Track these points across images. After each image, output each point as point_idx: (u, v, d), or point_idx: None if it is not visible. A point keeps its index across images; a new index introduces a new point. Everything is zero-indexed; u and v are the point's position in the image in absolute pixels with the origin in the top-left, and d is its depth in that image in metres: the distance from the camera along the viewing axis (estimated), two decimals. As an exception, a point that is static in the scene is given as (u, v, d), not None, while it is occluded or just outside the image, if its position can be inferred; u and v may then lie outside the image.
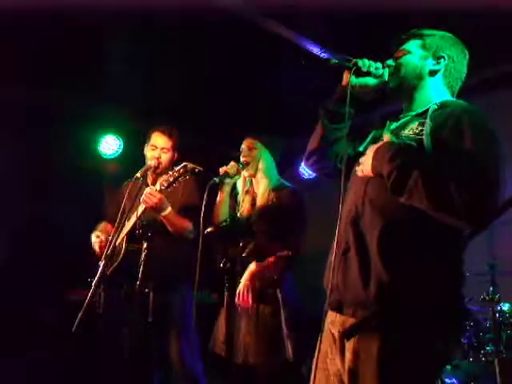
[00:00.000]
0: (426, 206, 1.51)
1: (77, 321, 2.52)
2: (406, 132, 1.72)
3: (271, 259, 2.77)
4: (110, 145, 4.92)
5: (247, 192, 3.07)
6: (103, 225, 3.22)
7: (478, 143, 1.56)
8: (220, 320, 2.88)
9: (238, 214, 3.01)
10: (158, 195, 2.87)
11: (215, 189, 2.89)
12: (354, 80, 1.85)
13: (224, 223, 2.94)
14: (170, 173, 2.84)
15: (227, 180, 2.91)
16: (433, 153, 1.60)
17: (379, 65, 1.87)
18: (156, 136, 3.25)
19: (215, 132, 5.17)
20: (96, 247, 3.16)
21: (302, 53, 4.01)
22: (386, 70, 1.86)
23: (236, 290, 2.79)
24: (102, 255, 3.05)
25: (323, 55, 1.86)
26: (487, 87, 4.10)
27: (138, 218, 2.97)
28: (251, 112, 4.88)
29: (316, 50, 4.10)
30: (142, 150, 3.37)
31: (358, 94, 1.87)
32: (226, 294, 2.89)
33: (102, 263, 2.79)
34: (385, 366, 1.53)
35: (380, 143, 1.70)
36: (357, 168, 1.76)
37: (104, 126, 4.92)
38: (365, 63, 1.84)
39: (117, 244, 3.13)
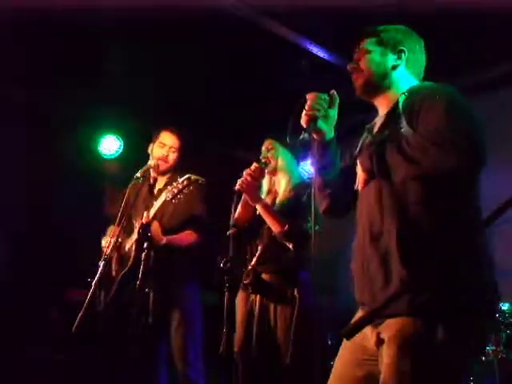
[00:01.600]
0: (414, 171, 1.53)
1: (77, 321, 2.52)
2: (387, 131, 1.72)
3: None
4: (110, 145, 4.92)
5: (269, 192, 3.07)
6: (112, 228, 3.18)
7: (449, 113, 1.56)
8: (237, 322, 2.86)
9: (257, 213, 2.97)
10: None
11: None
12: (324, 126, 1.83)
13: (246, 224, 2.92)
14: (175, 184, 2.86)
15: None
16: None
17: (325, 95, 1.84)
18: (165, 134, 3.27)
19: (215, 132, 5.18)
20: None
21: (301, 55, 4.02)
22: (333, 91, 1.85)
23: (236, 291, 2.80)
24: (111, 259, 3.08)
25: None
26: (487, 87, 4.10)
27: (147, 223, 2.98)
28: (252, 112, 4.88)
29: (316, 50, 4.11)
30: (142, 149, 3.37)
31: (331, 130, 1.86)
32: (226, 294, 2.89)
33: (102, 263, 2.80)
34: (422, 356, 1.51)
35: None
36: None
37: (104, 126, 4.92)
38: (318, 109, 1.80)
39: (127, 249, 3.14)
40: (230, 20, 3.71)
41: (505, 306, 3.47)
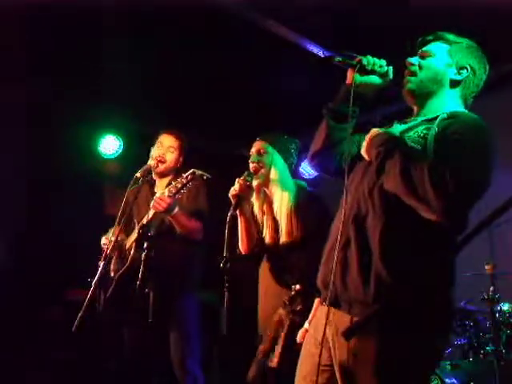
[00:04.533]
0: (400, 188, 1.53)
1: (77, 320, 2.52)
2: (411, 134, 1.71)
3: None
4: (109, 145, 4.92)
5: (264, 213, 2.83)
6: (115, 229, 3.14)
7: (469, 156, 1.56)
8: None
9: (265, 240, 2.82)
10: (168, 200, 2.86)
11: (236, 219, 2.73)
12: (359, 78, 1.82)
13: (256, 249, 2.82)
14: (179, 179, 2.85)
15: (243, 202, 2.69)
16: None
17: (383, 62, 1.83)
18: (163, 136, 3.27)
19: (216, 132, 5.18)
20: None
21: (304, 51, 4.01)
22: (391, 68, 1.83)
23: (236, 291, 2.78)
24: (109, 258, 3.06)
25: (325, 54, 1.81)
26: (487, 87, 4.10)
27: (148, 223, 2.97)
28: (252, 112, 4.88)
29: (316, 50, 4.10)
30: (142, 150, 3.37)
31: (363, 92, 1.84)
32: (226, 294, 2.88)
33: (101, 263, 2.80)
34: (384, 366, 1.54)
35: (374, 131, 1.71)
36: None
37: (104, 126, 4.92)
38: (369, 61, 1.81)
39: (126, 249, 3.14)
40: (230, 20, 3.71)
41: (505, 306, 3.47)
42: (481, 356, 3.39)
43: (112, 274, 3.12)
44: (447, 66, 1.80)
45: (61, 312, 4.21)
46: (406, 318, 1.52)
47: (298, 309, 2.54)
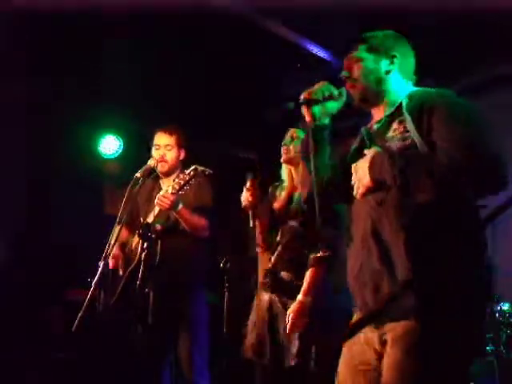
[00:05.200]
0: (448, 166, 1.54)
1: (77, 320, 2.52)
2: (391, 134, 1.72)
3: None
4: (109, 145, 4.92)
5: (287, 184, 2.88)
6: (119, 229, 3.02)
7: (459, 121, 1.60)
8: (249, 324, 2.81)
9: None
10: (171, 197, 2.87)
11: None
12: (317, 111, 1.83)
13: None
14: (181, 176, 2.85)
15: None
16: (423, 144, 1.61)
17: (331, 88, 1.84)
18: (158, 135, 3.26)
19: (215, 131, 5.18)
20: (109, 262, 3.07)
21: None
22: (343, 89, 1.84)
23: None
24: (116, 267, 3.07)
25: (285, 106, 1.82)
26: (487, 87, 4.10)
27: (153, 221, 2.97)
28: (252, 113, 4.88)
29: (315, 50, 4.11)
30: (142, 150, 3.37)
31: (324, 126, 1.86)
32: (226, 294, 2.88)
33: (101, 263, 2.79)
34: (426, 357, 1.53)
35: (370, 155, 1.70)
36: (354, 192, 1.76)
37: (104, 126, 4.92)
38: (317, 93, 1.82)
39: (132, 248, 3.13)
40: (231, 20, 3.71)
41: (505, 306, 3.48)
42: (481, 356, 3.39)
43: (121, 273, 3.11)
44: (377, 63, 1.83)
45: (61, 312, 4.21)
46: (444, 310, 1.53)
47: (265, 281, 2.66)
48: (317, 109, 1.83)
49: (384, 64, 1.83)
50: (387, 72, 1.83)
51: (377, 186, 1.66)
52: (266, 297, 2.68)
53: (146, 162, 3.17)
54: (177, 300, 2.99)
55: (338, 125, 1.93)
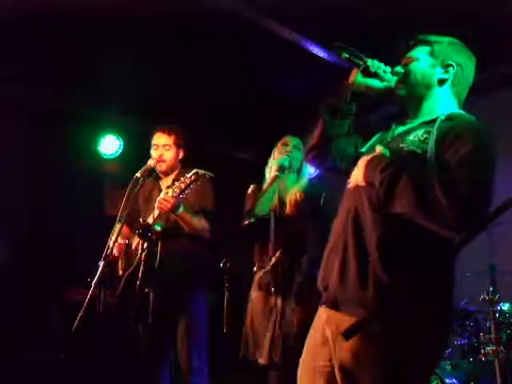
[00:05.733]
0: (413, 209, 1.53)
1: (77, 320, 2.52)
2: (411, 138, 1.71)
3: None
4: (110, 145, 4.92)
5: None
6: (119, 227, 3.13)
7: (474, 160, 1.56)
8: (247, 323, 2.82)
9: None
10: (172, 200, 2.88)
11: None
12: (361, 79, 1.84)
13: (266, 216, 2.84)
14: (182, 179, 2.86)
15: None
16: (433, 162, 1.60)
17: (388, 69, 1.85)
18: (156, 136, 3.26)
19: (215, 131, 5.18)
20: (114, 251, 3.09)
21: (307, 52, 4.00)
22: (395, 76, 1.84)
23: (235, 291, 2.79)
24: (119, 259, 3.06)
25: (337, 45, 1.79)
26: (487, 87, 4.10)
27: (153, 222, 2.97)
28: (251, 112, 4.88)
29: (317, 51, 4.10)
30: (142, 150, 3.37)
31: (362, 93, 1.86)
32: (226, 294, 2.89)
33: (101, 263, 2.79)
34: (384, 366, 1.54)
35: (371, 155, 1.72)
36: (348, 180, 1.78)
37: (104, 125, 4.92)
38: (374, 64, 1.82)
39: (133, 248, 3.14)
40: (231, 20, 3.71)
41: (505, 306, 3.47)
42: (481, 356, 3.39)
43: (121, 273, 3.12)
44: (432, 67, 1.81)
45: (60, 312, 4.21)
46: (405, 318, 1.53)
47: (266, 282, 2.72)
48: (361, 76, 1.83)
49: (438, 72, 1.81)
50: (440, 81, 1.81)
51: (368, 185, 1.68)
52: (260, 296, 2.71)
53: (145, 162, 3.18)
54: (177, 300, 3.00)
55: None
